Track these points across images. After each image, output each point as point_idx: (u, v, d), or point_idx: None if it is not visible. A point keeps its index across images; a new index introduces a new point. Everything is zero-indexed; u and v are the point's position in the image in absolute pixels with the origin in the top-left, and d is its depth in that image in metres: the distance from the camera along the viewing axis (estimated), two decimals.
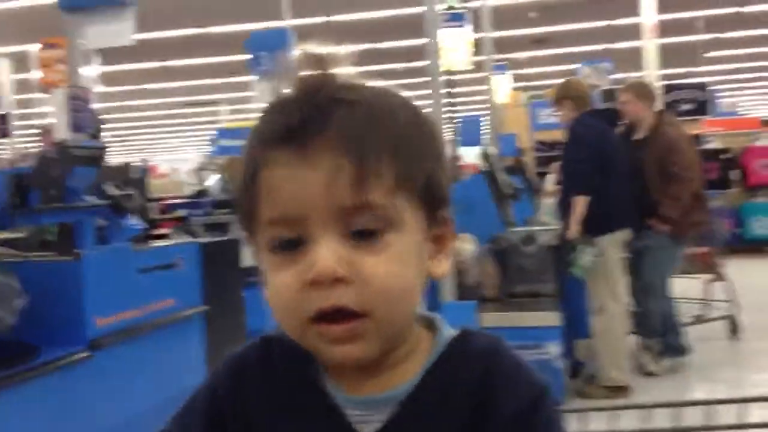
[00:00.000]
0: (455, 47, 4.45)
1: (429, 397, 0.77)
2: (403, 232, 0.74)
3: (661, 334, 5.33)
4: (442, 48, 4.70)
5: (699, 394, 4.91)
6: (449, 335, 0.81)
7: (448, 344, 0.80)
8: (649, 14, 12.76)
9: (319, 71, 0.76)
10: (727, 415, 2.56)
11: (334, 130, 0.72)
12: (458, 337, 0.81)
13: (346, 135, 0.72)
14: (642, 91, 5.51)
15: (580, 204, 4.75)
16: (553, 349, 4.49)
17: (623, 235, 4.92)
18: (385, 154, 0.73)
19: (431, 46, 4.41)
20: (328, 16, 12.85)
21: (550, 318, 4.65)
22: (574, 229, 4.77)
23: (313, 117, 0.73)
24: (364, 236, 0.73)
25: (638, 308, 5.39)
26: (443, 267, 0.80)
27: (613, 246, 4.85)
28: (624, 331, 5.00)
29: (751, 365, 5.58)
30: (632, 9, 13.45)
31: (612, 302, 4.85)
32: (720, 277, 6.13)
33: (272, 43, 6.02)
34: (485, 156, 6.06)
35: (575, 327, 5.00)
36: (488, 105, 8.45)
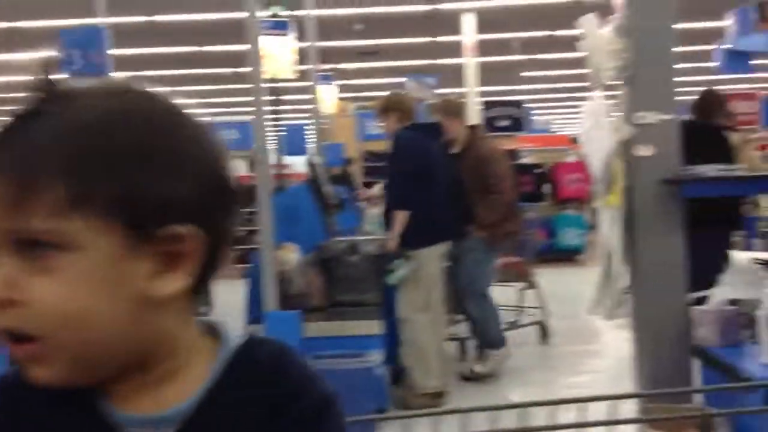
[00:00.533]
0: (278, 55, 4.40)
1: (217, 408, 0.73)
2: (81, 254, 0.69)
3: (497, 336, 5.54)
4: (264, 55, 4.62)
5: (514, 397, 5.12)
6: (234, 343, 0.77)
7: (234, 352, 0.76)
8: (469, 33, 13.30)
9: (40, 78, 0.71)
10: (540, 416, 2.65)
11: (8, 148, 0.69)
12: (244, 345, 0.77)
13: (13, 153, 0.68)
14: (450, 108, 5.69)
15: (399, 218, 4.85)
16: (375, 357, 4.51)
17: (443, 247, 5.03)
18: (53, 173, 0.67)
19: (253, 53, 4.35)
20: (150, 15, 12.41)
21: (373, 326, 4.68)
22: (392, 243, 4.86)
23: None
24: (31, 257, 0.68)
25: (467, 314, 5.58)
26: (172, 286, 0.72)
27: (431, 259, 4.95)
28: (435, 339, 5.03)
29: (561, 368, 5.89)
30: (454, 28, 13.99)
31: (421, 313, 4.92)
32: (532, 285, 6.43)
33: (85, 42, 5.67)
34: (311, 165, 6.04)
35: (398, 334, 5.07)
36: (314, 114, 8.45)
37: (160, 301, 0.71)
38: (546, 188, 11.74)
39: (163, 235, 0.70)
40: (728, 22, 13.64)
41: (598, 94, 4.03)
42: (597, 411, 2.44)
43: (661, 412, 3.03)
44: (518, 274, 6.37)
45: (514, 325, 6.30)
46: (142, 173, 0.69)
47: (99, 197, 0.68)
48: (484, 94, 16.64)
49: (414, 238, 4.84)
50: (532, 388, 5.44)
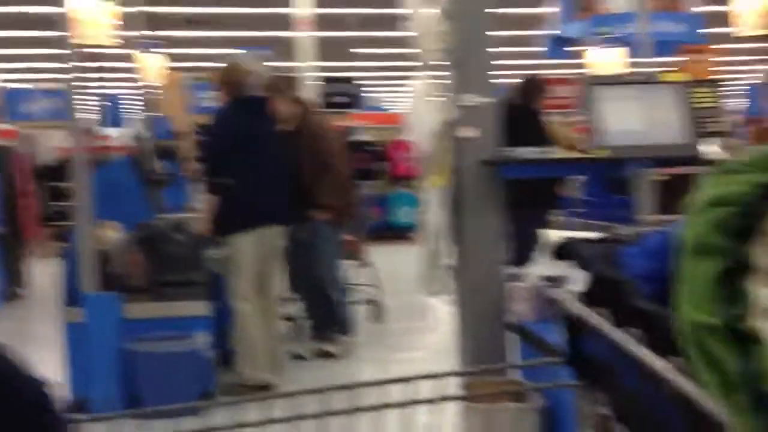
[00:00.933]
0: (93, 19, 4.10)
1: None
2: None
3: (338, 321, 5.45)
4: (77, 19, 4.34)
5: (347, 376, 5.16)
6: None
7: None
8: (303, 7, 13.16)
9: None
10: (371, 395, 2.67)
11: None
12: None
13: None
14: (279, 85, 5.48)
15: (207, 201, 4.65)
16: (202, 339, 4.39)
17: (267, 232, 4.73)
18: None
19: (63, 16, 4.08)
20: None
21: (200, 307, 4.54)
22: (203, 227, 4.68)
23: None
24: None
25: (307, 300, 5.48)
26: None
27: (247, 245, 4.64)
28: (264, 331, 4.79)
29: (394, 345, 5.99)
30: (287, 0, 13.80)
31: (245, 302, 4.69)
32: (365, 263, 6.48)
33: None
34: (136, 138, 5.77)
35: (227, 315, 4.95)
36: (140, 84, 8.08)
37: None
38: (381, 166, 11.87)
39: None
40: (550, 9, 14.25)
41: (425, 74, 4.08)
42: (424, 389, 2.50)
43: (480, 387, 3.15)
44: (352, 252, 6.39)
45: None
46: None
47: None
48: (318, 69, 16.57)
49: (226, 223, 4.60)
50: (365, 365, 5.51)
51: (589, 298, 1.88)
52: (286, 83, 5.63)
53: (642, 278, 1.66)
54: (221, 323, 4.86)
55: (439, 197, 3.83)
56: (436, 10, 4.12)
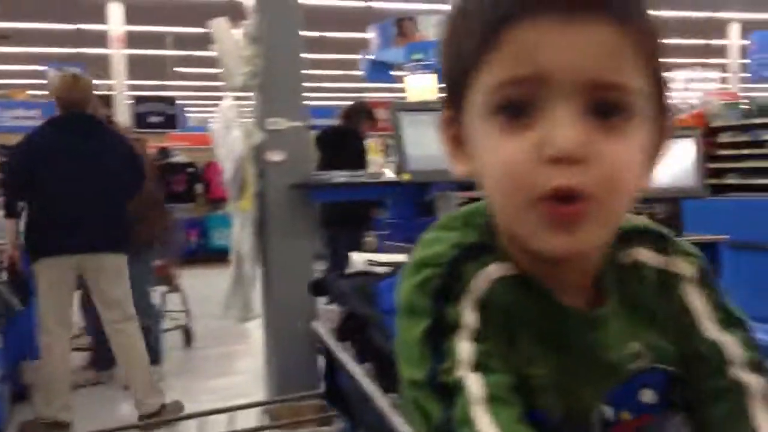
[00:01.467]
0: None
1: None
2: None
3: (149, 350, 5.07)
4: None
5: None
6: None
7: None
8: (116, 24, 12.70)
9: None
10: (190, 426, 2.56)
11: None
12: None
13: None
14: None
15: (8, 226, 4.30)
16: None
17: (65, 261, 4.25)
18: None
19: None
20: None
21: None
22: (9, 254, 4.34)
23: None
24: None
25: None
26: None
27: (43, 274, 4.22)
28: (62, 363, 4.36)
29: (204, 372, 5.81)
30: (100, 17, 13.27)
31: (45, 334, 4.28)
32: (176, 288, 6.27)
33: None
34: None
35: (22, 347, 4.62)
36: None
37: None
38: (198, 188, 11.60)
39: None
40: (370, 34, 14.59)
41: (230, 97, 4.03)
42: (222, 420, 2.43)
43: (287, 414, 3.11)
44: (162, 278, 6.17)
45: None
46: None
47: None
48: (135, 87, 16.04)
49: (27, 251, 4.26)
50: (175, 393, 5.31)
51: (341, 332, 1.90)
52: (100, 101, 5.23)
53: (388, 312, 1.64)
54: (16, 356, 4.52)
55: (243, 221, 3.77)
56: (240, 34, 4.08)
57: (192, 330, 6.28)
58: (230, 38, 4.03)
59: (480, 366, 0.73)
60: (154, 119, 13.47)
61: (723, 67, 17.80)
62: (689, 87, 13.43)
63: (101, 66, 14.39)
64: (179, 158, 11.73)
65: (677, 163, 4.03)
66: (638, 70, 0.71)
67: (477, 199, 0.84)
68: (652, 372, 0.83)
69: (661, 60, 0.74)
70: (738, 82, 17.34)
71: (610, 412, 0.82)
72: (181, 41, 16.08)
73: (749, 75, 11.54)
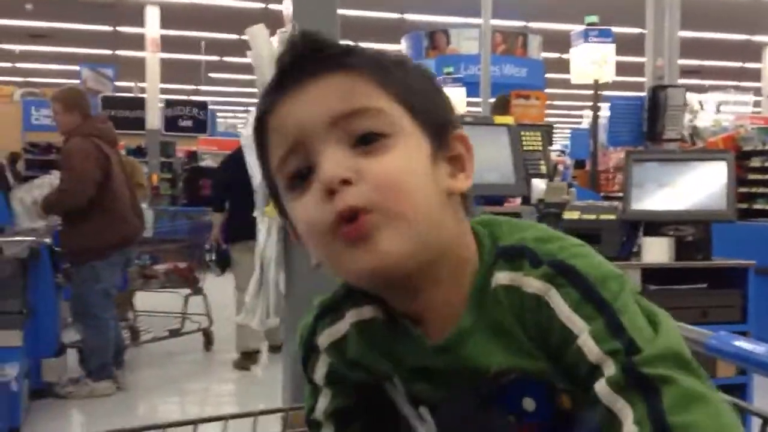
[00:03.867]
0: None
1: None
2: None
3: (100, 366, 4.92)
4: None
5: (171, 407, 4.99)
6: None
7: None
8: (152, 27, 12.84)
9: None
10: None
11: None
12: None
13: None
14: (71, 101, 4.98)
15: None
16: (11, 371, 4.10)
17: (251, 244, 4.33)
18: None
19: None
20: None
21: (12, 337, 4.25)
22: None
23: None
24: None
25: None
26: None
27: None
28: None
29: (219, 377, 5.82)
30: (137, 19, 13.42)
31: (238, 293, 4.70)
32: (198, 291, 6.30)
33: None
34: None
35: (42, 344, 4.66)
36: None
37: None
38: None
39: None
40: (402, 45, 14.59)
41: None
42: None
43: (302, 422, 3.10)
44: (184, 280, 6.20)
45: (176, 333, 6.13)
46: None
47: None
48: (168, 91, 16.21)
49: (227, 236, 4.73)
50: (191, 397, 5.33)
51: None
52: (74, 97, 5.06)
53: None
54: (38, 354, 4.57)
55: (269, 227, 3.77)
56: (276, 41, 4.09)
57: (212, 334, 6.29)
58: (267, 45, 4.04)
59: (331, 416, 0.94)
60: (184, 123, 13.58)
61: (757, 91, 17.61)
62: (721, 110, 13.30)
63: (135, 69, 14.55)
64: (208, 162, 11.80)
65: (708, 186, 3.98)
66: (376, 96, 0.80)
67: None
68: (528, 383, 0.84)
69: (401, 87, 0.82)
70: None
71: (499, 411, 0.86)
72: (215, 47, 16.23)
73: None
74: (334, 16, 3.96)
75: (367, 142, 0.78)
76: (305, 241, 0.82)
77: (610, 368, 0.76)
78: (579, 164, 9.47)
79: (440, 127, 0.84)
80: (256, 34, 4.10)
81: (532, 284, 0.81)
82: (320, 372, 0.94)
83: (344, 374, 0.93)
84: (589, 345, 0.77)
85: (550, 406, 0.84)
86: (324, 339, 0.92)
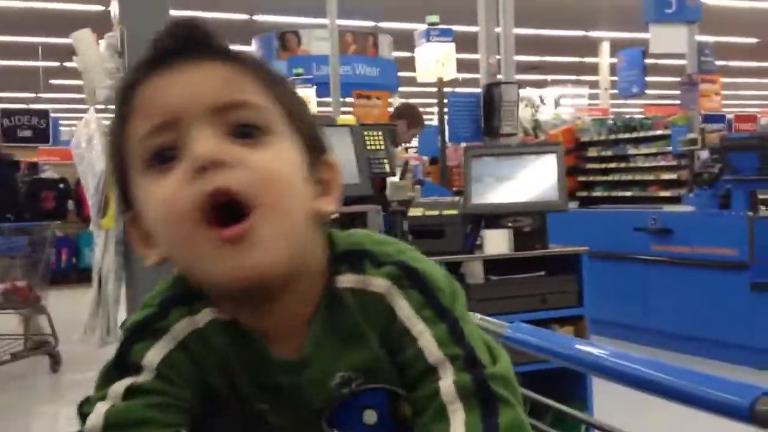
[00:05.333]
0: None
1: None
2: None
3: None
4: None
5: None
6: None
7: None
8: None
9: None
10: None
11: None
12: None
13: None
14: None
15: None
16: None
17: None
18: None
19: None
20: None
21: None
22: None
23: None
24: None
25: None
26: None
27: None
28: None
29: (69, 398, 5.56)
30: None
31: None
32: (41, 310, 5.98)
33: None
34: None
35: None
36: None
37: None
38: (70, 204, 11.12)
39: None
40: (253, 47, 14.45)
41: (92, 112, 3.88)
42: None
43: None
44: (23, 300, 5.87)
45: (17, 356, 5.80)
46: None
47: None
48: (5, 100, 15.34)
49: None
50: (37, 421, 5.06)
51: None
52: None
53: None
54: None
55: (105, 240, 3.63)
56: (104, 46, 3.94)
57: (59, 354, 5.99)
58: (94, 50, 3.88)
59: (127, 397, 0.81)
60: (23, 133, 12.89)
61: (594, 84, 18.59)
62: (560, 103, 13.95)
63: None
64: (49, 173, 11.22)
65: (541, 178, 4.15)
66: (258, 94, 0.78)
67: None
68: (371, 393, 0.83)
69: (281, 92, 0.81)
70: (609, 99, 18.14)
71: None
72: (54, 52, 15.48)
73: (618, 92, 12.13)
74: (162, 19, 3.86)
75: (247, 135, 0.75)
76: (155, 230, 0.76)
77: (447, 371, 0.77)
78: (434, 161, 9.68)
79: (313, 145, 0.82)
80: (81, 38, 3.94)
81: (377, 283, 0.82)
82: (154, 356, 0.82)
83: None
84: (429, 347, 0.79)
85: (391, 417, 0.84)
86: (185, 323, 0.83)
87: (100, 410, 0.81)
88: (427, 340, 0.79)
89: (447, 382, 0.77)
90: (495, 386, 0.78)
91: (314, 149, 0.82)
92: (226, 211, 0.72)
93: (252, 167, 0.73)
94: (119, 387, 0.81)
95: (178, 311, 0.82)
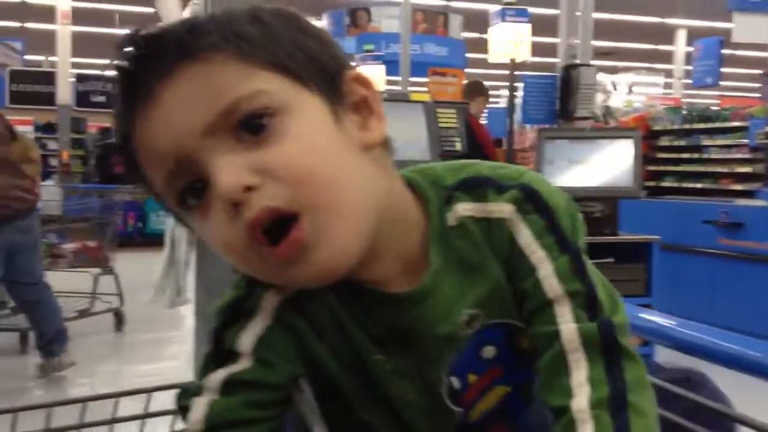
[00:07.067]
0: None
1: None
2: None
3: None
4: None
5: (80, 390, 4.84)
6: None
7: None
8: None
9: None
10: (104, 410, 2.48)
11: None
12: None
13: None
14: None
15: None
16: None
17: None
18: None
19: None
20: None
21: None
22: None
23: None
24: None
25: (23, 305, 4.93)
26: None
27: None
28: None
29: (134, 357, 5.70)
30: None
31: None
32: (109, 271, 6.13)
33: None
34: None
35: None
36: None
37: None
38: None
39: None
40: (323, 22, 14.49)
41: None
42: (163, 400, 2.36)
43: None
44: (94, 260, 6.02)
45: (84, 313, 5.95)
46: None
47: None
48: (80, 65, 15.70)
49: None
50: (99, 378, 5.19)
51: None
52: None
53: None
54: None
55: None
56: (188, 11, 3.99)
57: (123, 314, 6.14)
58: (179, 16, 3.94)
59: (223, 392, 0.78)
60: (97, 98, 13.19)
61: (669, 73, 18.14)
62: (633, 90, 13.65)
63: (45, 42, 14.04)
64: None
65: (616, 163, 4.07)
66: (250, 75, 0.70)
67: None
68: (490, 328, 0.80)
69: (267, 49, 0.71)
70: (682, 88, 17.69)
71: (457, 382, 0.81)
72: (129, 20, 15.77)
73: (691, 81, 11.81)
74: None
75: (254, 130, 0.68)
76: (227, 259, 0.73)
77: (566, 309, 0.73)
78: (498, 143, 9.60)
79: (329, 76, 0.74)
80: (166, 4, 4.00)
81: (500, 209, 0.78)
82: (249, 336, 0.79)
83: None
84: (549, 280, 0.75)
85: (510, 348, 0.81)
86: (274, 293, 0.79)
87: (199, 406, 0.78)
88: (547, 271, 0.75)
89: (570, 327, 0.73)
90: (622, 339, 0.73)
91: (333, 76, 0.74)
92: (277, 225, 0.69)
93: (279, 175, 0.68)
94: (217, 377, 0.78)
95: (265, 286, 0.79)
